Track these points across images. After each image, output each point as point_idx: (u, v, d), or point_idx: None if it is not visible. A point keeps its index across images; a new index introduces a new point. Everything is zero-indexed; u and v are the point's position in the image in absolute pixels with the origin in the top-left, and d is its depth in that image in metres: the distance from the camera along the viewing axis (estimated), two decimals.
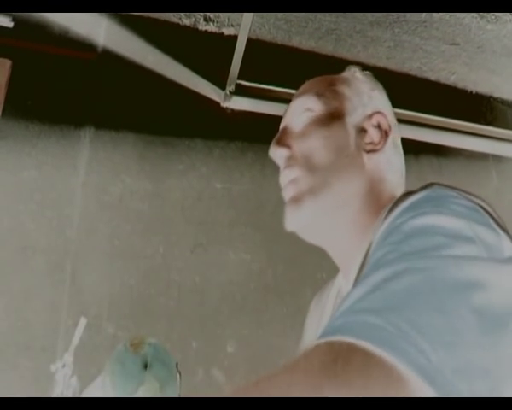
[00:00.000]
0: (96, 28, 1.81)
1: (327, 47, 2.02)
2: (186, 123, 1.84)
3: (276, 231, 1.79)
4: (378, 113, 0.79)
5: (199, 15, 1.89)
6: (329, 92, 0.79)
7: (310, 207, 0.73)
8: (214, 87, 1.87)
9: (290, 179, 0.76)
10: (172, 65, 1.83)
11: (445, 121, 2.07)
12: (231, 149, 1.85)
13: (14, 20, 1.74)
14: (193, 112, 1.85)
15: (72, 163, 1.69)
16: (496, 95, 2.25)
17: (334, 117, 0.77)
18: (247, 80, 1.89)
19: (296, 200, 0.74)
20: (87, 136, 1.72)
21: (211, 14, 1.88)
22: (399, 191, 0.78)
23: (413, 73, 2.13)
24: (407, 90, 1.99)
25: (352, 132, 0.76)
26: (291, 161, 0.76)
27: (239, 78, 1.84)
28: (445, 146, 2.07)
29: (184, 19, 1.91)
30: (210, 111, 1.87)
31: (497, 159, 2.15)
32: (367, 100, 0.80)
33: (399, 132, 0.83)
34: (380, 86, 0.85)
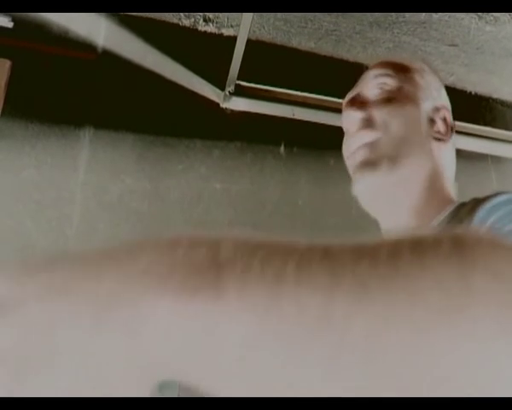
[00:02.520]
0: (95, 28, 1.81)
1: (326, 48, 2.02)
2: (185, 123, 1.84)
3: (275, 231, 1.79)
4: (445, 108, 0.83)
5: (198, 16, 1.89)
6: (404, 76, 0.81)
7: (386, 173, 0.73)
8: (213, 88, 1.87)
9: (366, 142, 0.76)
10: (172, 65, 1.83)
11: None
12: (231, 149, 1.85)
13: (13, 20, 1.74)
14: (192, 112, 1.85)
15: (72, 163, 1.69)
16: (495, 96, 2.25)
17: (408, 99, 0.79)
18: (246, 81, 1.89)
19: (373, 163, 0.74)
20: (87, 136, 1.73)
21: (210, 15, 1.89)
22: (452, 190, 0.79)
23: None
24: None
25: (424, 117, 0.79)
26: (368, 123, 0.77)
27: (238, 78, 1.84)
28: None
29: (184, 19, 1.91)
30: (209, 111, 1.87)
31: (497, 160, 2.15)
32: (436, 95, 0.83)
33: None
34: (444, 88, 0.88)
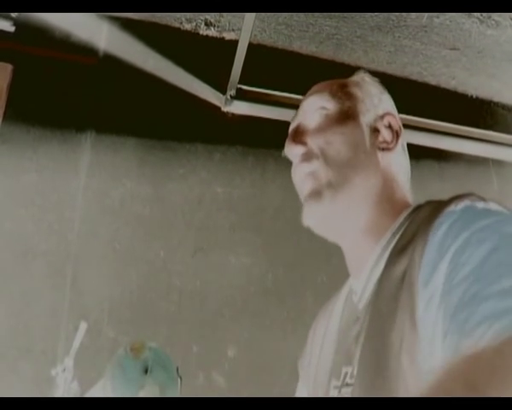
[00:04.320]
0: (97, 33, 1.82)
1: (327, 52, 2.02)
2: (187, 127, 1.84)
3: (276, 235, 1.79)
4: (389, 114, 0.82)
5: (200, 20, 1.90)
6: (342, 93, 0.82)
7: (329, 201, 0.74)
8: (215, 91, 1.88)
9: (308, 172, 0.77)
10: (173, 69, 1.83)
11: (445, 126, 2.07)
12: (232, 153, 1.85)
13: (15, 24, 1.75)
14: (194, 116, 1.85)
15: (74, 167, 1.69)
16: (496, 99, 2.25)
17: (348, 116, 0.79)
18: (247, 85, 1.89)
19: (316, 193, 0.75)
20: (88, 140, 1.73)
21: (212, 19, 1.89)
22: (408, 194, 0.80)
23: (413, 77, 2.13)
24: (407, 95, 1.99)
25: (366, 131, 0.79)
26: (308, 155, 0.78)
27: (240, 82, 1.85)
28: (446, 151, 2.07)
29: (185, 23, 1.91)
30: (211, 115, 1.87)
31: (498, 163, 2.15)
32: (377, 102, 0.83)
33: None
34: (386, 92, 0.87)
